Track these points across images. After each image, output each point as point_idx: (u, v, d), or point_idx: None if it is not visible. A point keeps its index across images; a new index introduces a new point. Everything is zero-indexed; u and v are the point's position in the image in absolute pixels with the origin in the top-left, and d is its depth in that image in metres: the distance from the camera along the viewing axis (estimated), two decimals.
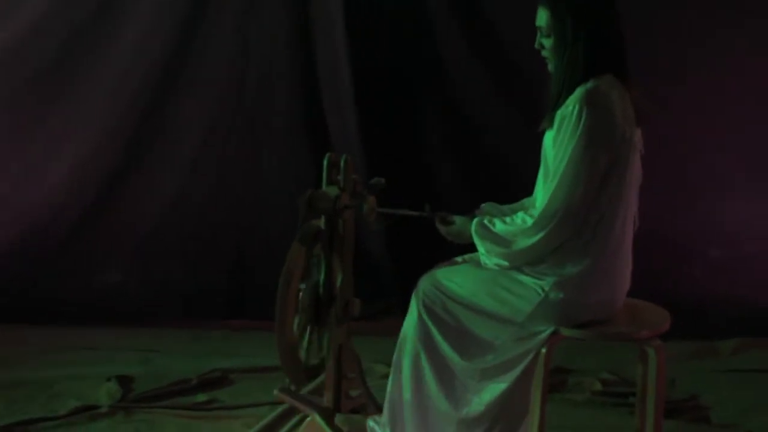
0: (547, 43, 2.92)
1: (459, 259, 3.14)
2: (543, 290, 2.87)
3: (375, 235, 4.88)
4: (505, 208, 3.14)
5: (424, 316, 3.00)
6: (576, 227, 2.84)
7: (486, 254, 2.95)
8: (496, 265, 2.94)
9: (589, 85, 2.83)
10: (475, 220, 2.97)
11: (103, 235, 4.98)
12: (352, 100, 4.89)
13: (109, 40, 4.88)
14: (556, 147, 2.84)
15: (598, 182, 2.82)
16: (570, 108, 2.81)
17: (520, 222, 2.88)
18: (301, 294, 3.13)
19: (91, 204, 4.96)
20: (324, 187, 3.18)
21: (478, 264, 3.01)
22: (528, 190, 3.12)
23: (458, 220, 3.05)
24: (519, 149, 3.70)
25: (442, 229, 3.08)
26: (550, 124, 2.89)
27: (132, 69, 4.90)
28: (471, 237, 2.97)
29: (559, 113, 2.84)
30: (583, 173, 2.79)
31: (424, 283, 3.04)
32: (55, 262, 4.95)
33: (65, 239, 4.97)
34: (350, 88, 4.88)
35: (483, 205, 3.15)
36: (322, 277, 3.17)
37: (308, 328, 3.16)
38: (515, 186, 3.31)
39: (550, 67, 2.93)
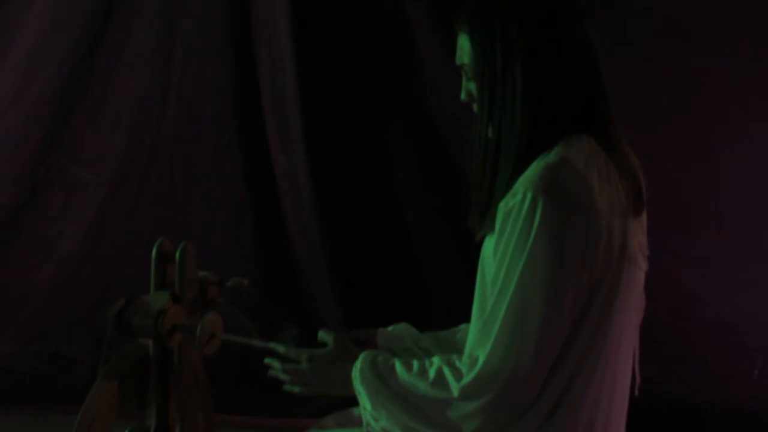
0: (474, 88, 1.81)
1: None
2: None
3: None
4: (427, 338, 2.00)
5: None
6: (530, 399, 1.71)
7: (372, 413, 1.80)
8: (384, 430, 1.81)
9: (551, 157, 1.70)
10: (364, 357, 1.82)
11: None
12: (299, 118, 3.82)
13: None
14: (497, 263, 1.71)
15: (567, 325, 1.68)
16: (519, 197, 1.69)
17: (434, 375, 1.73)
18: None
19: None
20: (152, 292, 2.08)
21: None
22: None
23: (319, 356, 1.88)
24: None
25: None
26: (489, 226, 1.75)
27: (25, 85, 3.92)
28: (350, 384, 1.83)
29: (501, 207, 1.71)
30: (542, 312, 1.66)
31: None
32: None
33: None
34: (296, 100, 3.82)
35: (389, 328, 2.04)
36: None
37: None
38: None
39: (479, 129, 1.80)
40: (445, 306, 2.67)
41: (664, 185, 3.01)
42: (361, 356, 1.82)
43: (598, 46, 1.84)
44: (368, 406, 1.80)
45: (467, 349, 1.78)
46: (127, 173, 3.97)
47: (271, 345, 1.96)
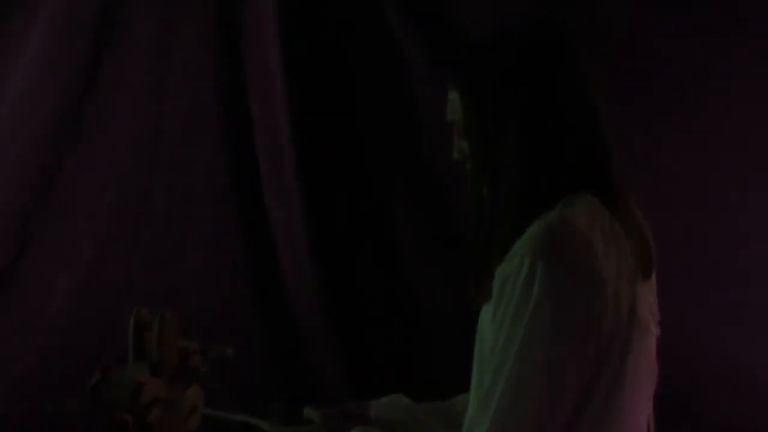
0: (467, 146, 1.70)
1: None
2: None
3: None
4: (423, 409, 1.88)
5: None
6: None
7: None
8: None
9: (550, 218, 1.56)
10: None
11: None
12: (294, 168, 3.70)
13: None
14: (495, 334, 1.57)
15: (571, 402, 1.54)
16: (516, 263, 1.55)
17: None
18: None
19: None
20: (131, 363, 1.96)
21: None
22: None
23: None
24: None
25: None
26: (486, 292, 1.61)
27: (11, 135, 3.80)
28: None
29: (499, 272, 1.58)
30: (542, 389, 1.52)
31: None
32: None
33: None
34: (292, 153, 3.71)
35: (382, 399, 1.90)
36: None
37: None
38: None
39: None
40: (448, 360, 2.54)
41: (674, 226, 2.89)
42: None
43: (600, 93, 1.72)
44: None
45: (465, 425, 1.65)
46: (118, 226, 3.84)
47: (256, 421, 1.84)
